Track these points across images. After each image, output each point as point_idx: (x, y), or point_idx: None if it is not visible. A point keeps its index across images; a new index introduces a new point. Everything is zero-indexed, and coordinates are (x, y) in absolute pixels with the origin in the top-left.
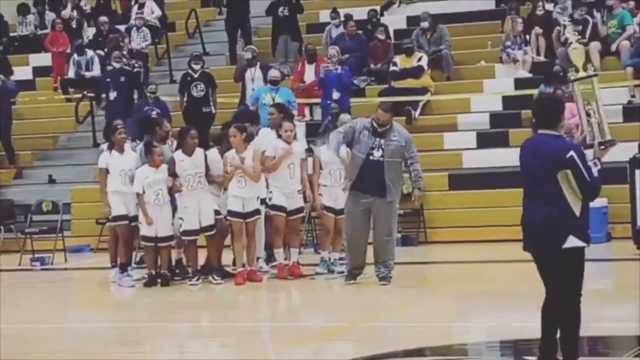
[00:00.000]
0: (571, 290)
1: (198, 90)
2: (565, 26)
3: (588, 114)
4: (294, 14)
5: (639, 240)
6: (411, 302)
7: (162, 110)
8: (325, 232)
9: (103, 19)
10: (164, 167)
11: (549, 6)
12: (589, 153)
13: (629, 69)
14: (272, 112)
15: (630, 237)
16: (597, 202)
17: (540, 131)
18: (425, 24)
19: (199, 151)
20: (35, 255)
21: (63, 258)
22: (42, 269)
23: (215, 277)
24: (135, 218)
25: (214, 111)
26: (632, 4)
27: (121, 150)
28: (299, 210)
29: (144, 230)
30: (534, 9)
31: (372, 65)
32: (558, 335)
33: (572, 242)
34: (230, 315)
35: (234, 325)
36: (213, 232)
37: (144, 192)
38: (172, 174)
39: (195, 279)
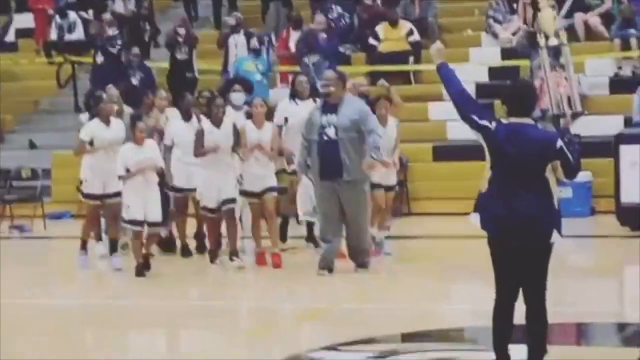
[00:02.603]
0: (545, 285)
1: (182, 53)
2: None
3: (559, 84)
4: None
5: (622, 217)
6: (393, 282)
7: (146, 76)
8: (376, 209)
9: None
10: (150, 144)
11: None
12: (561, 122)
13: (617, 40)
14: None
15: (613, 211)
16: (581, 176)
17: (513, 119)
18: None
19: (227, 122)
20: (14, 223)
21: (43, 225)
22: (21, 237)
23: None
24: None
25: (197, 76)
26: None
27: (107, 121)
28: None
29: (131, 213)
30: None
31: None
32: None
33: (556, 237)
34: (210, 294)
35: (212, 304)
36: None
37: (128, 171)
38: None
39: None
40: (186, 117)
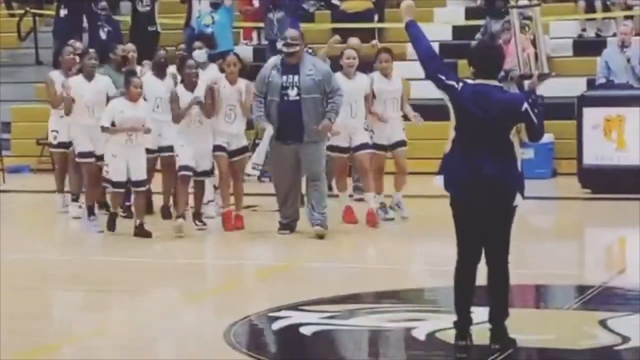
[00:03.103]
0: (508, 247)
1: (144, 5)
2: None
3: (525, 45)
4: None
5: (583, 179)
6: (355, 242)
7: (114, 30)
8: (363, 171)
9: None
10: (143, 102)
11: None
12: (525, 84)
13: (581, 2)
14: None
15: (575, 173)
16: (544, 138)
17: (479, 80)
18: None
19: (201, 85)
20: None
21: (1, 178)
22: None
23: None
24: (102, 157)
25: (159, 30)
26: None
27: (90, 77)
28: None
29: (112, 174)
30: None
31: None
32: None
33: (519, 199)
34: (174, 253)
35: (175, 262)
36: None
37: (113, 125)
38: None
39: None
40: (160, 73)
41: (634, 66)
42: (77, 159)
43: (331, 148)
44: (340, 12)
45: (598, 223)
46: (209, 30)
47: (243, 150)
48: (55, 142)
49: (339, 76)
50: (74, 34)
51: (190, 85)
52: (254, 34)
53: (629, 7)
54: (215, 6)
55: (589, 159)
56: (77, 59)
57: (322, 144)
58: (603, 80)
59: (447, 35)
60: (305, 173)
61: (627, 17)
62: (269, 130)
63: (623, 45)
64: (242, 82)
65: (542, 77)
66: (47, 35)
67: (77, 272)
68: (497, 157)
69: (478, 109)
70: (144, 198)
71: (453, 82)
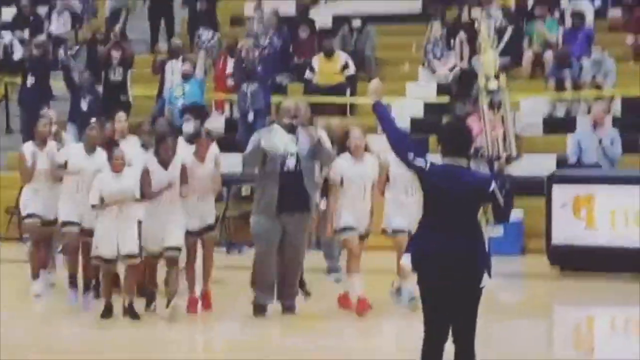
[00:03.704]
0: (475, 327)
1: (116, 75)
2: (479, 30)
3: (495, 126)
4: (213, 5)
5: (552, 256)
6: (322, 318)
7: (96, 100)
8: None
9: None
10: (129, 172)
11: (476, 13)
12: (495, 165)
13: (551, 81)
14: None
15: (544, 251)
16: (513, 215)
17: (448, 160)
18: (357, 23)
19: (176, 161)
20: None
21: None
22: None
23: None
24: (89, 232)
25: (131, 100)
26: (557, 14)
27: (91, 149)
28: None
29: (102, 249)
30: (460, 14)
31: (295, 61)
32: None
33: (486, 279)
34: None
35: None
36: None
37: (102, 201)
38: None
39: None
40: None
41: (605, 147)
42: (63, 229)
43: (343, 229)
44: (313, 86)
45: (567, 301)
46: (179, 102)
47: (211, 227)
48: (25, 213)
49: (346, 158)
50: (41, 103)
51: (165, 162)
52: (227, 106)
53: (599, 87)
54: (186, 77)
55: (558, 237)
56: (53, 128)
57: (311, 215)
58: (574, 160)
59: (419, 111)
60: (288, 243)
61: (596, 98)
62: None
63: (595, 126)
64: (211, 156)
65: (509, 159)
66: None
67: None
68: (465, 236)
69: (446, 189)
70: (135, 274)
71: (421, 163)
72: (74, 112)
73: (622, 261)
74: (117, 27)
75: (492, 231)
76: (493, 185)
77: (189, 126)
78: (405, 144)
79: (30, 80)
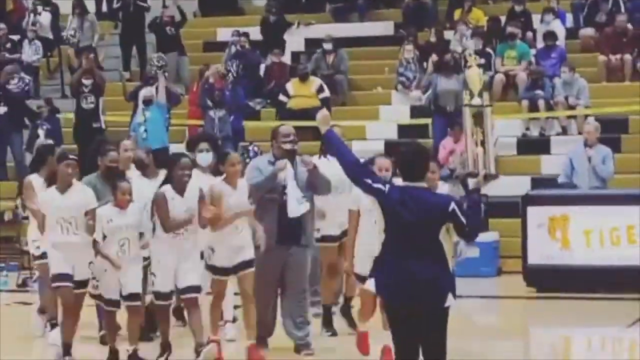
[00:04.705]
0: (445, 348)
1: (88, 103)
2: (465, 48)
3: (476, 143)
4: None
5: (528, 277)
6: None
7: (53, 127)
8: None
9: (1, 26)
10: (134, 208)
11: (449, 34)
12: (470, 182)
13: (524, 102)
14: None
15: (520, 271)
16: (489, 236)
17: (406, 183)
18: (329, 46)
19: (192, 187)
20: None
21: None
22: None
23: None
24: (82, 283)
25: (104, 127)
26: (529, 35)
27: (65, 188)
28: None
29: (104, 290)
30: (431, 36)
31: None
32: None
33: (450, 299)
34: None
35: None
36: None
37: (104, 238)
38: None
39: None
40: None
41: (595, 165)
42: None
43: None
44: (287, 110)
45: (543, 322)
46: (142, 128)
47: (248, 264)
48: (37, 253)
49: None
50: (14, 132)
51: (180, 188)
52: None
53: (572, 107)
54: (147, 103)
55: (533, 258)
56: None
57: (311, 246)
58: (565, 180)
59: (393, 134)
60: (289, 276)
61: (569, 117)
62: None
63: (585, 145)
64: (243, 183)
65: (488, 177)
66: None
67: None
68: (428, 258)
69: (406, 211)
70: (139, 316)
71: (380, 185)
72: (31, 142)
73: (598, 281)
74: (88, 56)
75: (468, 252)
76: (453, 205)
77: (205, 157)
78: (361, 169)
79: (3, 109)
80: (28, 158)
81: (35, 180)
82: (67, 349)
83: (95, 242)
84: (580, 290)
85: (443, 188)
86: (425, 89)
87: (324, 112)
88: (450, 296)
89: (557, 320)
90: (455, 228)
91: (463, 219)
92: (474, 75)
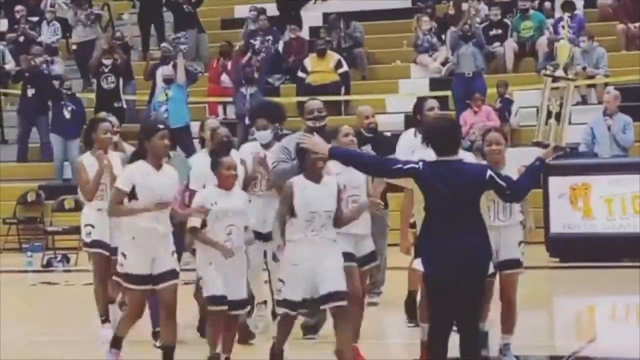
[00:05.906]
0: (480, 317)
1: (108, 83)
2: (560, 19)
3: (550, 114)
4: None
5: (551, 248)
6: None
7: (77, 108)
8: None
9: (19, 8)
10: (240, 191)
11: (465, 5)
12: (539, 151)
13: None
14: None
15: (542, 242)
16: None
17: (441, 157)
18: (347, 20)
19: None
20: None
21: None
22: None
23: None
24: (114, 250)
25: (124, 106)
26: (547, 4)
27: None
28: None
29: (209, 288)
30: (450, 8)
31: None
32: None
33: (491, 268)
34: None
35: None
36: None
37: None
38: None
39: None
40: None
41: (615, 134)
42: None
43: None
44: (306, 85)
45: (567, 292)
46: (163, 108)
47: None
48: (88, 240)
49: None
50: (40, 113)
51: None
52: (220, 109)
53: (591, 76)
54: (168, 82)
55: (556, 228)
56: (114, 137)
57: None
58: (584, 149)
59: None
60: None
61: (589, 86)
62: None
63: (605, 114)
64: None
65: (557, 149)
66: (12, 114)
67: None
68: (470, 229)
69: (444, 185)
70: (237, 326)
71: (412, 165)
72: (56, 121)
73: (621, 249)
74: (106, 35)
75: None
76: (489, 172)
77: (264, 135)
78: (384, 161)
79: (31, 91)
80: (53, 139)
81: (87, 159)
82: (117, 342)
83: (192, 229)
84: (602, 259)
85: (467, 157)
86: (445, 59)
87: (313, 139)
88: (491, 266)
89: (580, 289)
90: (497, 193)
91: (502, 183)
92: (564, 48)
